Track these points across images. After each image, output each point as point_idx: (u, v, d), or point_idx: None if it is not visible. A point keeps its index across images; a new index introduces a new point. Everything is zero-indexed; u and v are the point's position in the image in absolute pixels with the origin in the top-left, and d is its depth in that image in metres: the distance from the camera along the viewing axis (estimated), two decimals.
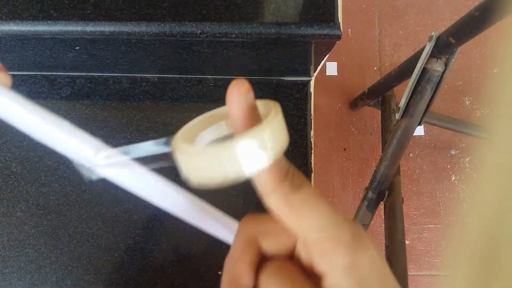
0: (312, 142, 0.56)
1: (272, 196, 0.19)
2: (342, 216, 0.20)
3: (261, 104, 0.20)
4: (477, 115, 1.18)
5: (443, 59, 0.61)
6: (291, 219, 0.19)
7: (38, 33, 0.43)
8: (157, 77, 0.57)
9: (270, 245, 0.22)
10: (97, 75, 0.57)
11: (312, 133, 0.57)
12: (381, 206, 0.69)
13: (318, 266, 0.20)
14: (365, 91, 1.01)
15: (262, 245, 0.22)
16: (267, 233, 0.22)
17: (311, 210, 0.19)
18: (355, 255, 0.19)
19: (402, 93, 0.65)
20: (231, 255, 0.23)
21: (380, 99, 0.97)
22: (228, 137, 0.21)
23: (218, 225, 0.26)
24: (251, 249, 0.22)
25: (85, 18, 0.43)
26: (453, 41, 0.55)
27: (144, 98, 0.56)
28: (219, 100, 0.56)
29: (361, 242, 0.19)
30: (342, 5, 0.43)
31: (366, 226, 0.67)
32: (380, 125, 0.94)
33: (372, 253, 0.20)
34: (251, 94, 0.19)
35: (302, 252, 0.21)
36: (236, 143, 0.17)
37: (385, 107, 0.93)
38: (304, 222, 0.19)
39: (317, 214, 0.19)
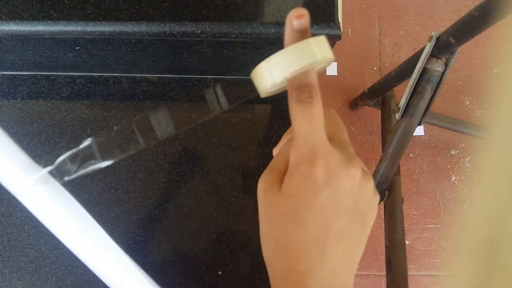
0: None
1: (289, 96, 0.26)
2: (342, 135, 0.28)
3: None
4: (477, 115, 1.18)
5: (443, 59, 0.61)
6: (292, 115, 0.26)
7: (38, 33, 0.43)
8: (157, 77, 0.57)
9: None
10: (97, 75, 0.57)
11: None
12: (381, 206, 0.69)
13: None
14: (365, 91, 1.01)
15: None
16: None
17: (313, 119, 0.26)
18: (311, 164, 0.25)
19: (402, 93, 0.65)
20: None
21: (380, 99, 0.97)
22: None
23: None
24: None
25: (85, 18, 0.43)
26: (453, 41, 0.55)
27: (144, 98, 0.56)
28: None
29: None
30: (342, 5, 0.43)
31: None
32: (380, 125, 0.94)
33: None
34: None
35: None
36: (318, 37, 0.25)
37: (385, 107, 0.93)
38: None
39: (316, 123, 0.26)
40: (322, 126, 0.26)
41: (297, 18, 0.25)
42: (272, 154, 0.56)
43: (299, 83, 0.26)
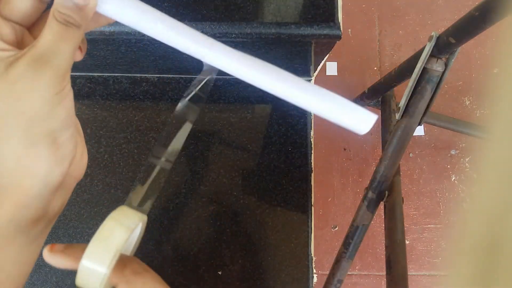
0: (312, 142, 0.56)
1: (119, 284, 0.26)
2: None
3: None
4: (477, 115, 1.18)
5: (443, 59, 0.60)
6: None
7: None
8: (157, 77, 0.57)
9: None
10: (97, 75, 0.57)
11: (312, 133, 0.57)
12: (381, 206, 0.69)
13: None
14: (365, 91, 1.01)
15: None
16: None
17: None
18: None
19: (402, 93, 0.65)
20: None
21: (380, 99, 0.97)
22: None
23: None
24: None
25: None
26: (453, 41, 0.55)
27: (144, 98, 0.56)
28: (218, 100, 0.56)
29: None
30: (342, 5, 0.43)
31: (366, 226, 0.67)
32: (380, 125, 0.94)
33: None
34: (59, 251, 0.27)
35: None
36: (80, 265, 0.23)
37: (385, 107, 0.93)
38: None
39: None
40: None
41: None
42: (272, 154, 0.57)
43: (121, 265, 0.27)
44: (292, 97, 0.23)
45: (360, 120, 0.22)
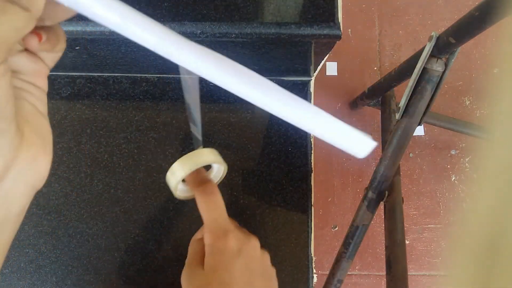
0: (312, 142, 0.56)
1: (194, 192, 0.34)
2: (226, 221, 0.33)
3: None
4: (477, 115, 1.18)
5: (443, 59, 0.60)
6: (200, 207, 0.34)
7: None
8: (157, 77, 0.57)
9: None
10: (97, 75, 0.57)
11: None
12: (381, 206, 0.69)
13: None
14: (365, 91, 1.01)
15: None
16: None
17: (208, 209, 0.33)
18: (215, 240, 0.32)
19: (402, 93, 0.65)
20: None
21: (380, 99, 0.97)
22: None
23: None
24: None
25: (85, 18, 0.43)
26: (453, 41, 0.55)
27: (144, 98, 0.56)
28: (218, 100, 0.56)
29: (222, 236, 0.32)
30: (342, 5, 0.43)
31: (366, 226, 0.67)
32: (380, 125, 0.94)
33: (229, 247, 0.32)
34: None
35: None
36: (210, 148, 0.34)
37: (385, 107, 0.93)
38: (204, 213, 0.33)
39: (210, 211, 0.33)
40: (225, 210, 0.33)
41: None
42: (272, 154, 0.57)
43: (201, 180, 0.34)
44: (286, 116, 0.22)
45: (360, 144, 0.22)
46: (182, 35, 0.21)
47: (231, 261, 0.31)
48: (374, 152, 1.16)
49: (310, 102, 0.57)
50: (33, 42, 0.20)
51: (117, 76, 0.57)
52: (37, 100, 0.22)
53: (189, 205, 0.54)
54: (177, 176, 0.32)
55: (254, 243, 0.34)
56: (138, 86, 0.57)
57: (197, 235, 0.37)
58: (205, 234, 0.33)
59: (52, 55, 0.22)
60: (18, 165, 0.21)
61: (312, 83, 0.57)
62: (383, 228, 0.68)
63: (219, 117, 0.55)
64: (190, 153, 0.32)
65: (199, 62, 0.22)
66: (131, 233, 0.52)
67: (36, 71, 0.22)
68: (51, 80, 0.57)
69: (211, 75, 0.22)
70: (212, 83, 0.23)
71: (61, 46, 0.22)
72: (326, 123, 0.22)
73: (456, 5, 1.21)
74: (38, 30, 0.20)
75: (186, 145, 0.55)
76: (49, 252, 0.51)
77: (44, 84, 0.23)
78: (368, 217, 0.66)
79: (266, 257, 0.35)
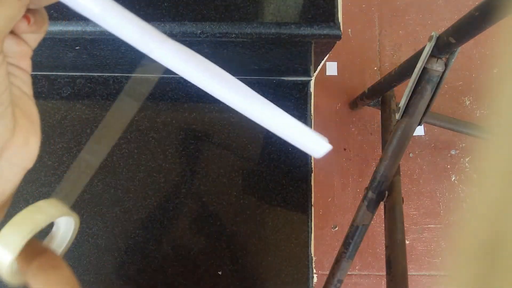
0: None
1: (26, 273, 0.23)
2: None
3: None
4: (477, 115, 1.18)
5: (443, 59, 0.60)
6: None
7: None
8: (157, 77, 0.57)
9: None
10: (97, 75, 0.57)
11: None
12: (381, 206, 0.69)
13: None
14: (365, 91, 1.01)
15: None
16: None
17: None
18: None
19: (402, 93, 0.65)
20: None
21: (380, 99, 0.97)
22: None
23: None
24: None
25: (85, 18, 0.43)
26: (453, 41, 0.55)
27: (144, 98, 0.56)
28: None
29: None
30: (342, 5, 0.43)
31: (366, 226, 0.67)
32: (380, 125, 0.94)
33: None
34: None
35: None
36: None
37: (385, 107, 0.93)
38: None
39: None
40: None
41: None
42: (272, 154, 0.57)
43: (35, 252, 0.23)
44: (248, 112, 0.22)
45: (317, 146, 0.23)
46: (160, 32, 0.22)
47: None
48: (374, 152, 1.16)
49: (310, 102, 0.57)
50: (23, 26, 0.21)
51: (117, 76, 0.57)
52: (23, 83, 0.22)
53: (189, 205, 0.54)
54: (6, 256, 0.21)
55: None
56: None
57: None
58: None
59: (35, 36, 0.22)
60: (12, 147, 0.22)
61: (312, 83, 0.57)
62: (383, 228, 0.68)
63: (219, 117, 0.55)
64: (17, 215, 0.22)
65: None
66: (131, 233, 0.52)
67: (21, 53, 0.22)
68: (51, 80, 0.57)
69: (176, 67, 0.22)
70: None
71: (46, 26, 0.22)
72: (286, 123, 0.22)
73: (456, 5, 1.21)
74: (26, 13, 0.20)
75: (186, 145, 0.55)
76: None
77: (28, 65, 0.23)
78: (368, 217, 0.66)
79: None
